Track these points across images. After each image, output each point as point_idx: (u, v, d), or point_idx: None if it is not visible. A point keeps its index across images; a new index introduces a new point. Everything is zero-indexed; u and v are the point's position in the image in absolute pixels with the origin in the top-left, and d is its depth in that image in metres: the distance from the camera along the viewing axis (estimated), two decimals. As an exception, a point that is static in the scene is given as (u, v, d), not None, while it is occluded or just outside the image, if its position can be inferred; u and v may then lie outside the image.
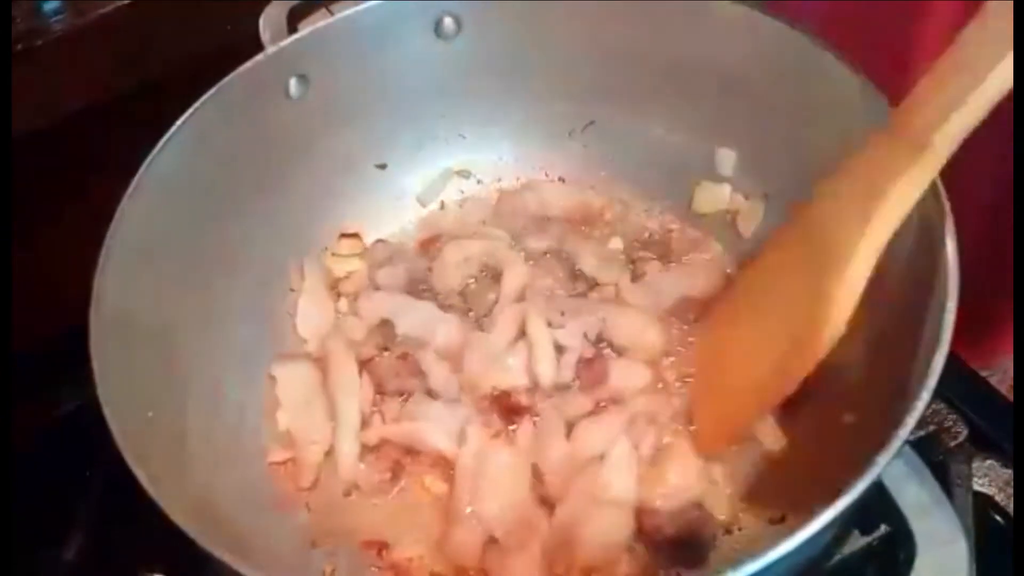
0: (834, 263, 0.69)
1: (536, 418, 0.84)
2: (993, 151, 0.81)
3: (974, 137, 0.62)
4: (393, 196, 1.02)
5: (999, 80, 0.62)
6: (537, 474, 0.81)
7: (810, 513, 0.59)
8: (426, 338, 0.89)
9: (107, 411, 0.68)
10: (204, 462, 0.79)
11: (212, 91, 0.85)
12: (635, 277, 0.93)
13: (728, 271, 0.93)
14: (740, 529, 0.78)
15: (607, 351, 0.89)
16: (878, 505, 0.72)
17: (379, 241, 1.00)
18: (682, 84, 0.93)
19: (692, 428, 0.84)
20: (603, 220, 0.99)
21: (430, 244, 0.99)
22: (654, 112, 0.96)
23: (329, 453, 0.86)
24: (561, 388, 0.86)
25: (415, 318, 0.91)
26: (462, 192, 1.03)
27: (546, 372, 0.86)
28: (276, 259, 0.95)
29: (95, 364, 0.71)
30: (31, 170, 0.91)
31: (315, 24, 0.91)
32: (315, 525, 0.83)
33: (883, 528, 0.74)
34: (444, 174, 1.03)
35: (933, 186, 0.69)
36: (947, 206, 0.70)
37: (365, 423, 0.86)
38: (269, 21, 0.93)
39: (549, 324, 0.88)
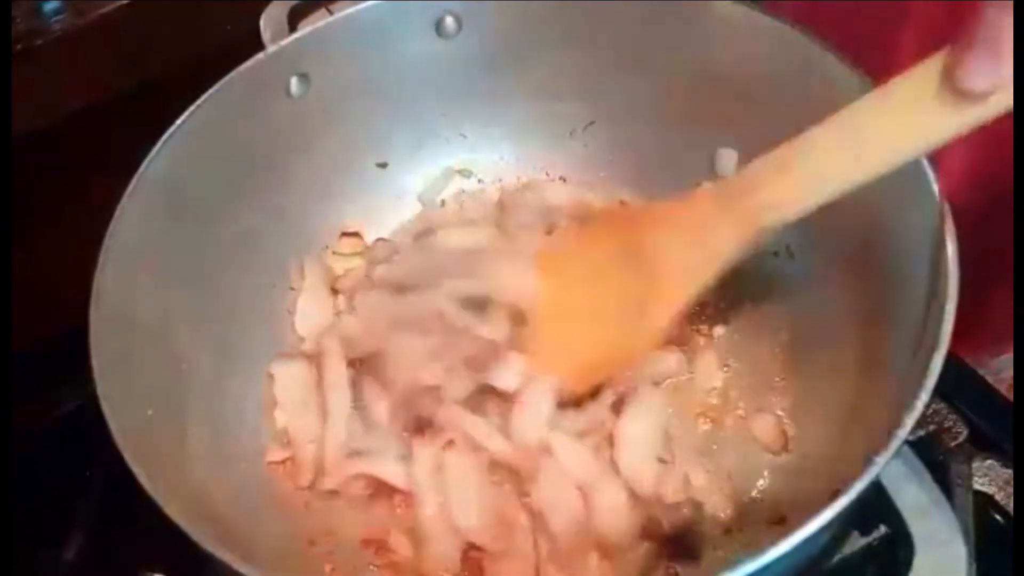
0: (656, 289, 0.78)
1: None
2: (990, 151, 0.81)
3: (973, 137, 0.62)
4: (394, 195, 1.02)
5: (845, 186, 0.66)
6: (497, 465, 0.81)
7: (809, 513, 0.59)
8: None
9: (107, 410, 0.68)
10: (204, 461, 0.79)
11: (212, 91, 0.85)
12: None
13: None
14: (740, 529, 0.78)
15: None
16: (877, 505, 0.72)
17: (380, 240, 1.00)
18: (682, 84, 0.93)
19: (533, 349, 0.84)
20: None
21: (422, 238, 0.98)
22: (654, 112, 0.96)
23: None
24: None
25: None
26: (463, 191, 1.03)
27: None
28: (277, 258, 0.95)
29: (95, 364, 0.71)
30: (31, 170, 0.91)
31: (315, 23, 0.91)
32: (314, 524, 0.83)
33: (882, 528, 0.74)
34: (445, 173, 1.03)
35: (932, 187, 0.69)
36: (946, 207, 0.70)
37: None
38: (269, 20, 0.93)
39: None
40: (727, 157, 0.94)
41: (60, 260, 0.82)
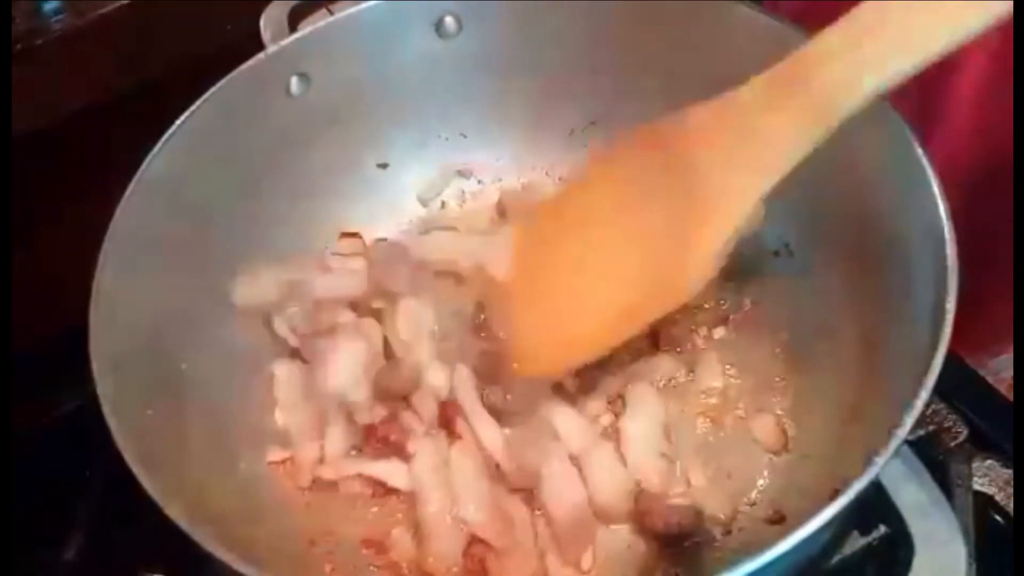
0: (703, 211, 0.65)
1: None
2: (991, 151, 0.81)
3: (973, 137, 0.62)
4: (394, 195, 1.02)
5: (934, 52, 0.59)
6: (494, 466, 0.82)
7: (809, 513, 0.59)
8: None
9: (107, 410, 0.68)
10: (204, 461, 0.78)
11: (212, 91, 0.85)
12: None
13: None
14: (740, 529, 0.78)
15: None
16: (877, 505, 0.72)
17: (380, 240, 1.00)
18: (682, 84, 0.92)
19: (503, 337, 0.81)
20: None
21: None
22: (654, 112, 0.95)
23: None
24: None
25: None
26: (463, 191, 1.04)
27: None
28: (276, 258, 0.95)
29: (95, 364, 0.71)
30: (31, 170, 0.91)
31: (316, 23, 0.91)
32: (314, 524, 0.83)
33: (882, 528, 0.74)
34: (445, 173, 1.03)
35: (932, 187, 0.69)
36: (946, 207, 0.70)
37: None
38: (270, 20, 0.93)
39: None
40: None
41: (60, 260, 0.82)
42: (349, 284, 0.92)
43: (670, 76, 0.93)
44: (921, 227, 0.71)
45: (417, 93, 0.98)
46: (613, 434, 0.83)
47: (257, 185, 0.92)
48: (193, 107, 0.84)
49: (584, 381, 0.87)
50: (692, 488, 0.80)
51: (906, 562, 0.70)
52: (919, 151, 0.73)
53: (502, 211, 1.00)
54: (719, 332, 0.90)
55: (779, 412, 0.84)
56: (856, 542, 0.75)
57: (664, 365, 0.87)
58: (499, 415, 0.83)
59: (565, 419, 0.82)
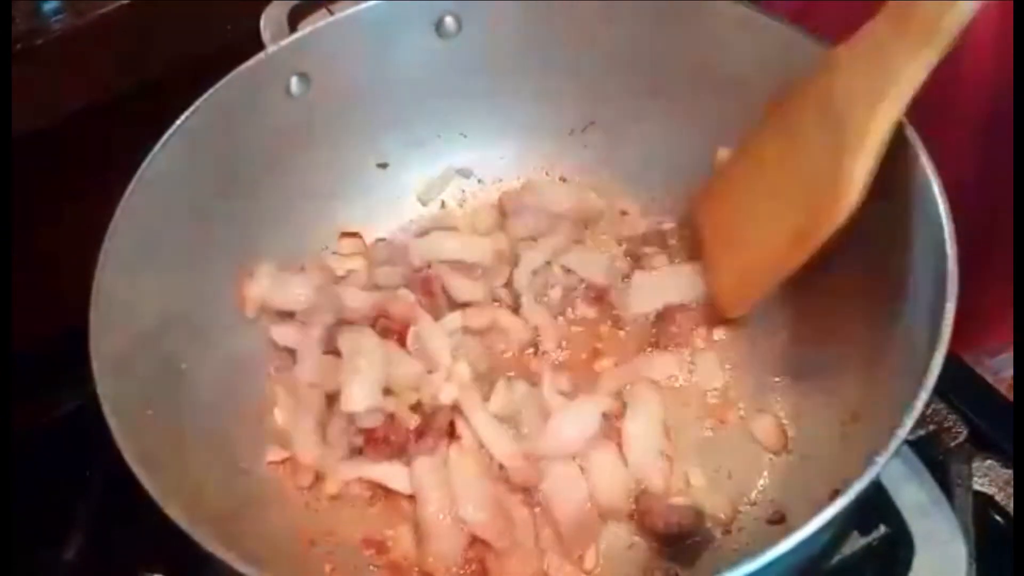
0: (848, 138, 0.72)
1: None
2: (991, 152, 0.81)
3: (973, 138, 0.62)
4: (394, 195, 1.02)
5: None
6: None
7: (809, 513, 0.59)
8: None
9: (107, 410, 0.68)
10: (203, 461, 0.79)
11: (212, 91, 0.86)
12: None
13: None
14: (740, 529, 0.78)
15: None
16: (877, 505, 0.72)
17: (380, 240, 1.00)
18: (682, 84, 0.93)
19: (708, 293, 0.89)
20: (603, 220, 0.99)
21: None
22: (654, 112, 0.96)
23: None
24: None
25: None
26: (463, 191, 1.04)
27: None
28: (276, 258, 0.95)
29: (95, 364, 0.71)
30: (31, 170, 0.91)
31: (316, 23, 0.91)
32: (314, 524, 0.83)
33: (882, 528, 0.74)
34: (445, 173, 1.03)
35: (933, 188, 0.69)
36: (947, 207, 0.70)
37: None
38: (270, 20, 0.93)
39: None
40: (727, 157, 0.94)
41: (60, 260, 0.82)
42: (368, 301, 0.92)
43: (670, 76, 0.93)
44: (921, 228, 0.71)
45: (417, 93, 0.98)
46: (614, 434, 0.83)
47: (257, 185, 0.92)
48: (193, 107, 0.84)
49: (584, 381, 0.87)
50: (692, 488, 0.81)
51: (906, 562, 0.70)
52: (920, 151, 0.73)
53: (502, 211, 1.00)
54: (719, 332, 0.90)
55: (779, 412, 0.84)
56: (856, 542, 0.75)
57: (664, 365, 0.88)
58: (501, 415, 0.84)
59: (566, 419, 0.82)
